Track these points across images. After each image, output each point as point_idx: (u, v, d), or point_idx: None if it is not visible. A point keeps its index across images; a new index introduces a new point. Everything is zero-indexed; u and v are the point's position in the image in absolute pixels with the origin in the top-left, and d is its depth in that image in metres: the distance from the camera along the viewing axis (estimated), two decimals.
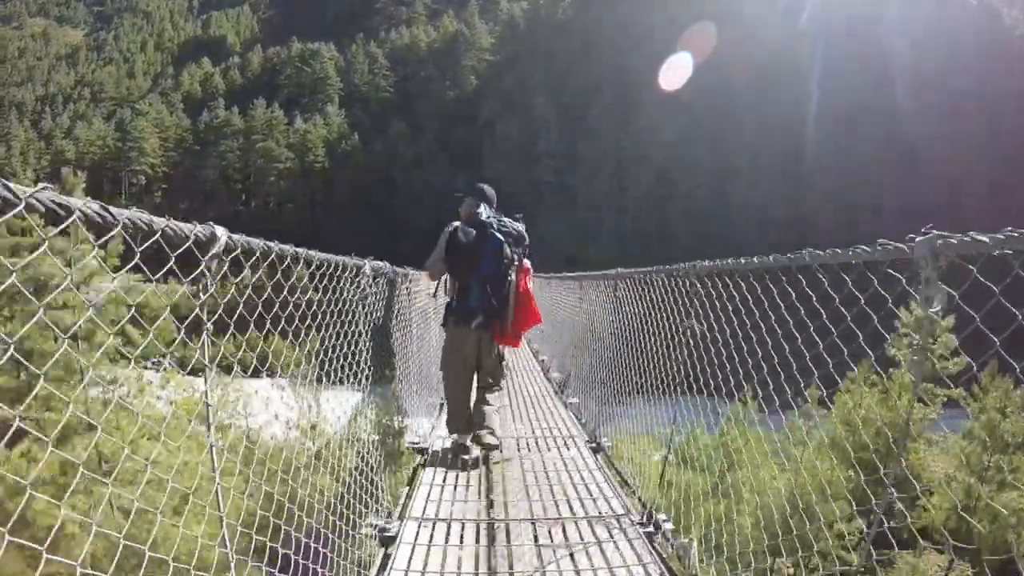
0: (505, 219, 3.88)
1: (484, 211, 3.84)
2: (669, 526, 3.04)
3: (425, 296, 5.57)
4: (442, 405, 5.18)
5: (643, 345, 3.73)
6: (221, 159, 69.99)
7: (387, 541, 2.89)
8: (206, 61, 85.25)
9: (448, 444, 4.23)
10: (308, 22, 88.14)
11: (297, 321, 2.18)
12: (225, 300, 1.63)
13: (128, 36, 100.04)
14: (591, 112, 72.32)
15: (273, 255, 1.84)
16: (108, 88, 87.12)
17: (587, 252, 51.44)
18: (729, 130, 65.92)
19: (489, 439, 3.85)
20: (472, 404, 4.03)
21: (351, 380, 2.87)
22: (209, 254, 1.45)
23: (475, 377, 4.10)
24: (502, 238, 3.78)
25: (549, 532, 3.04)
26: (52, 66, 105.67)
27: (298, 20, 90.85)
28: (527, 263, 3.94)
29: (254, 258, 1.71)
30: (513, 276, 3.87)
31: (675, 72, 70.46)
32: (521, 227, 3.91)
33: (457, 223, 3.86)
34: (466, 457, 3.93)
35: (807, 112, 65.51)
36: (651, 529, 3.06)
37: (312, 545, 2.08)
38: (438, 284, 4.06)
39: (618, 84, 73.66)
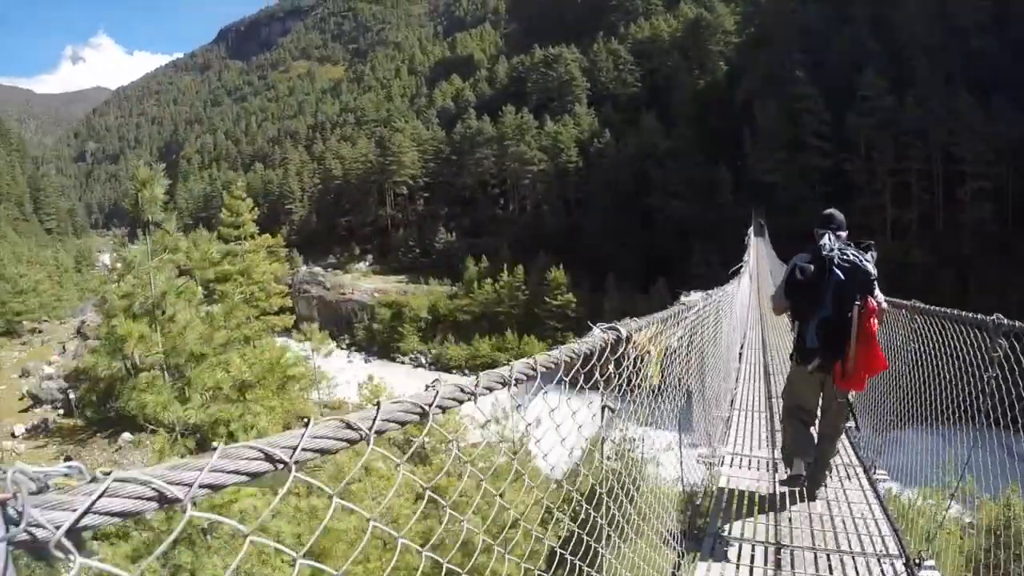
0: (850, 251, 3.55)
1: (828, 242, 3.60)
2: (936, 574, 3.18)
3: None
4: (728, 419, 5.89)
5: None
6: (477, 166, 75.58)
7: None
8: (455, 78, 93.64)
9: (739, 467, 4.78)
10: (547, 29, 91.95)
11: None
12: None
13: (383, 66, 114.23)
14: (861, 84, 64.28)
15: None
16: (369, 112, 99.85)
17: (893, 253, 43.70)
18: None
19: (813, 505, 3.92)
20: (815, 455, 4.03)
21: None
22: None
23: (816, 422, 4.01)
24: (843, 276, 3.48)
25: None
26: (319, 99, 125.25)
27: (537, 28, 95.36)
28: (877, 301, 3.55)
29: None
30: (856, 315, 3.48)
31: None
32: (870, 263, 3.52)
33: (803, 254, 3.70)
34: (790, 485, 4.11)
35: None
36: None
37: None
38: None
39: (888, 52, 64.15)
